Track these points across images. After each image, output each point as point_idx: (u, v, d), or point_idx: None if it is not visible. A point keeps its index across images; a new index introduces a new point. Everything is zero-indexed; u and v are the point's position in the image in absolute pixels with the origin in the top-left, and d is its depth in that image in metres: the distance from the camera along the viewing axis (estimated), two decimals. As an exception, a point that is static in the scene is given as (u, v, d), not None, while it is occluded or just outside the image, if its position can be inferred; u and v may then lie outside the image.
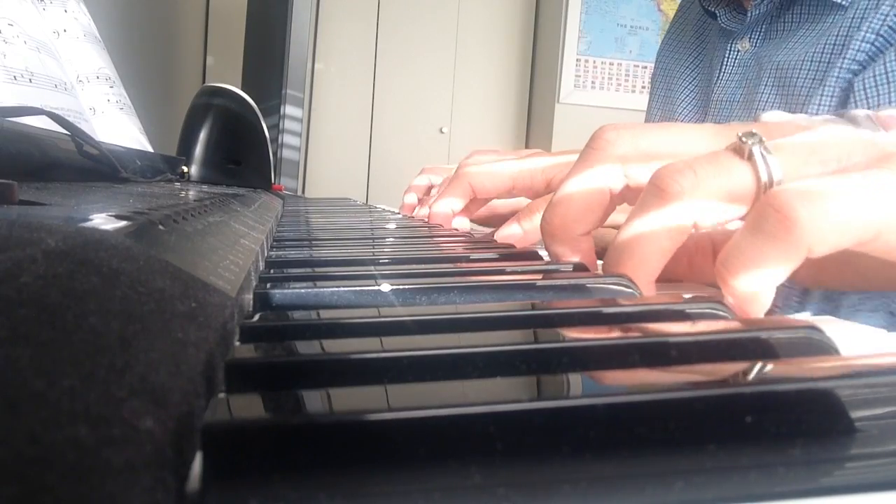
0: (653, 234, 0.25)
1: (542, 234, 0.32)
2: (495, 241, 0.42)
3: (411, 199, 0.76)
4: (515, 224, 0.44)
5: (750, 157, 0.24)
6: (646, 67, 3.04)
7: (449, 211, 0.53)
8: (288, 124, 1.98)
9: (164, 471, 0.08)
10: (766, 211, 0.21)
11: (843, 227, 0.21)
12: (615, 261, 0.26)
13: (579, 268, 0.27)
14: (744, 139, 0.24)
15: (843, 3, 0.61)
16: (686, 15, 0.84)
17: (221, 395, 0.12)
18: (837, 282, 0.28)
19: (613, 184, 0.30)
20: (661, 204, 0.25)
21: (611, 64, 3.07)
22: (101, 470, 0.07)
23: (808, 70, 0.62)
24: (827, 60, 0.61)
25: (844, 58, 0.59)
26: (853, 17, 0.60)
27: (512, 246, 0.37)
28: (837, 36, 0.60)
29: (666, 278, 0.31)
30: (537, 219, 0.45)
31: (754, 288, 0.21)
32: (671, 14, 2.31)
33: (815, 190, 0.21)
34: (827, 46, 0.61)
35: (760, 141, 0.24)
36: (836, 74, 0.59)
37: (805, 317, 0.26)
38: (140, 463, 0.07)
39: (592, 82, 3.06)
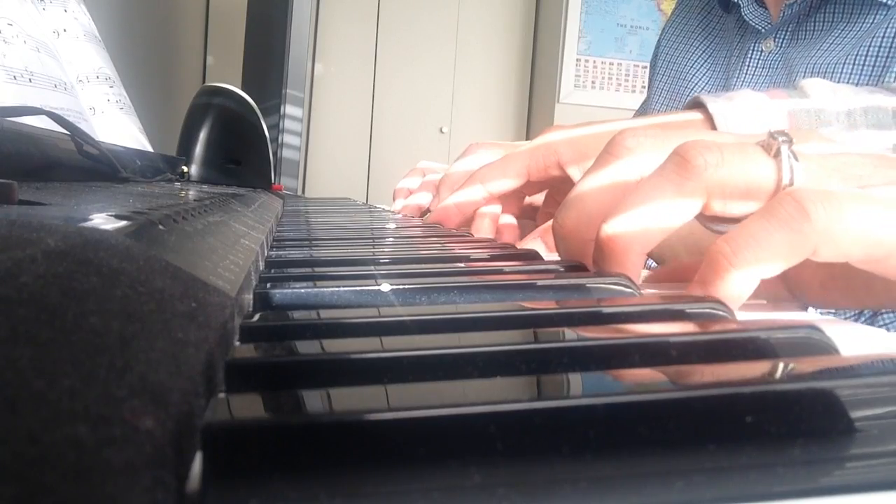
0: (662, 204, 0.24)
1: (554, 236, 0.30)
2: (495, 241, 0.41)
3: (401, 195, 0.76)
4: (539, 240, 0.42)
5: (777, 155, 0.24)
6: (646, 67, 3.01)
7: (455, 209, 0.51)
8: (288, 124, 1.98)
9: (164, 471, 0.08)
10: (784, 199, 0.21)
11: (854, 237, 0.20)
12: (616, 219, 0.25)
13: (579, 268, 0.27)
14: (774, 136, 0.24)
15: (888, 2, 0.59)
16: (688, 5, 0.81)
17: (221, 394, 0.12)
18: (847, 299, 0.27)
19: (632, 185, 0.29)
20: (680, 174, 0.24)
21: (611, 64, 3.07)
22: (101, 470, 0.07)
23: (854, 71, 0.60)
24: (883, 61, 0.59)
25: None
26: None
27: (512, 245, 0.37)
28: (886, 37, 0.58)
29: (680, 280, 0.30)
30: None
31: (750, 269, 0.21)
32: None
33: (835, 194, 0.21)
34: (873, 48, 0.59)
35: (790, 142, 0.24)
36: None
37: (806, 316, 0.26)
38: (140, 463, 0.07)
39: (592, 82, 3.06)
